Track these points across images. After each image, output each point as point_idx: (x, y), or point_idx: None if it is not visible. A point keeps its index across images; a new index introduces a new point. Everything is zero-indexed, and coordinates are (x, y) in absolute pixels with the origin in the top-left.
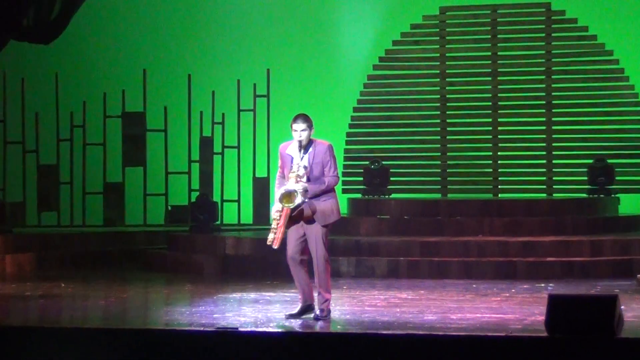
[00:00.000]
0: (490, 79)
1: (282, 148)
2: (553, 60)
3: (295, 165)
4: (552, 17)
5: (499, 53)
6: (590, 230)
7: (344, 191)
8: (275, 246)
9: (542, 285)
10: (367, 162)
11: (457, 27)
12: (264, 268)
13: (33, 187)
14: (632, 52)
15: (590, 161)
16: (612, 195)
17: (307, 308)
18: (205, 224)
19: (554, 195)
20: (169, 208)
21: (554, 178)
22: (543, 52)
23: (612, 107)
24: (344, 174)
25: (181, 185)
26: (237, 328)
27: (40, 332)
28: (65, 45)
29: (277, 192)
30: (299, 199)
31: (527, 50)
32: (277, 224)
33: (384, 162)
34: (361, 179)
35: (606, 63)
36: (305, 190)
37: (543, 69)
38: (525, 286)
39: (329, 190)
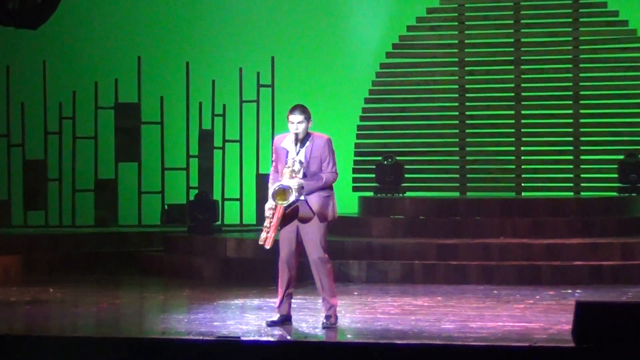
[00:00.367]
0: (512, 67)
1: (277, 141)
2: (581, 47)
3: (290, 159)
4: (580, 1)
5: (523, 39)
6: (620, 231)
7: (354, 189)
8: (267, 246)
9: (569, 291)
10: (379, 158)
11: (477, 11)
12: (268, 272)
13: (19, 184)
14: None
15: (621, 157)
16: None
17: (286, 319)
18: (205, 225)
19: (582, 193)
20: (166, 207)
21: (582, 175)
22: (570, 38)
23: None
24: (354, 171)
25: (179, 183)
26: (239, 337)
27: (27, 341)
28: (53, 30)
29: (270, 188)
30: (293, 196)
31: (552, 37)
32: (270, 222)
33: (397, 158)
34: (373, 175)
35: (638, 51)
36: (301, 187)
37: (570, 57)
38: (550, 292)
39: (327, 188)
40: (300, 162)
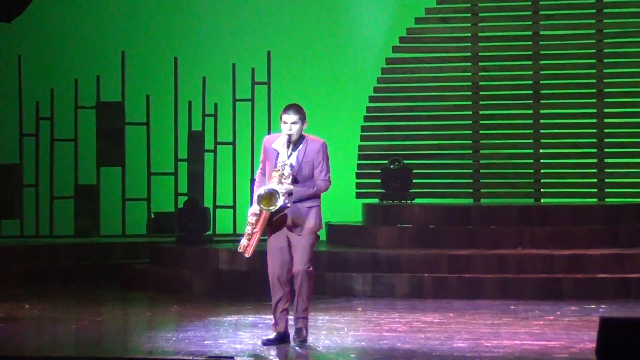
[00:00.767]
0: (531, 62)
1: (267, 141)
2: (605, 41)
3: (280, 162)
4: None
5: (542, 32)
6: None
7: (358, 195)
8: (247, 254)
9: (593, 306)
10: (385, 162)
11: (492, 1)
12: (263, 286)
13: None
14: None
15: None
16: None
17: (283, 337)
18: (195, 234)
19: (607, 200)
20: (152, 215)
21: (607, 180)
22: (593, 31)
23: None
24: (358, 175)
25: (166, 189)
26: (232, 357)
27: None
28: (29, 23)
29: (256, 191)
30: (280, 202)
31: (574, 29)
32: (253, 229)
33: (405, 161)
34: (378, 181)
35: None
36: (290, 193)
37: (593, 51)
38: (572, 308)
39: (317, 196)
40: (291, 166)
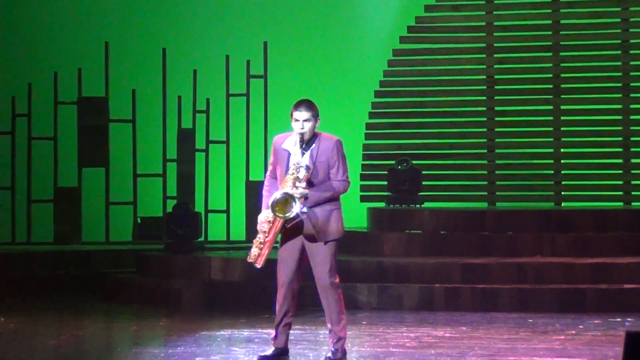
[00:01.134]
0: (551, 54)
1: (277, 141)
2: (631, 30)
3: (293, 165)
4: None
5: (562, 21)
6: None
7: (363, 199)
8: (258, 265)
9: (618, 320)
10: (392, 162)
11: None
12: (259, 298)
13: None
14: None
15: None
16: None
17: (283, 353)
18: (185, 241)
19: (633, 204)
20: (139, 221)
21: (633, 182)
22: (618, 20)
23: None
24: (363, 177)
25: (154, 192)
26: None
27: None
28: (4, 11)
29: (266, 197)
30: (296, 209)
31: (597, 18)
32: (265, 237)
33: (414, 162)
34: (385, 183)
35: None
36: (305, 198)
37: (618, 42)
38: (596, 321)
39: (335, 199)
40: (307, 167)
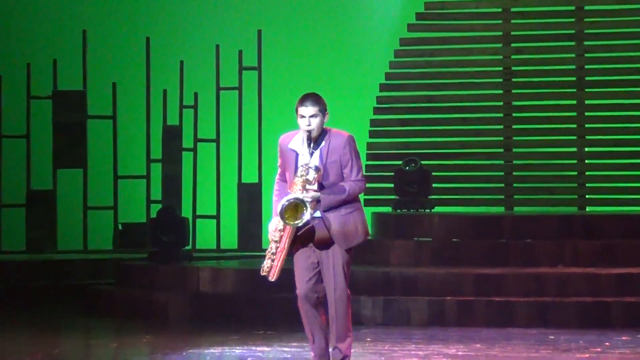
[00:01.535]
0: (574, 44)
1: (283, 141)
2: None
3: (302, 166)
4: None
5: (586, 7)
6: None
7: (367, 203)
8: (272, 278)
9: None
10: (399, 162)
11: None
12: (253, 312)
13: None
14: None
15: None
16: None
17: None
18: (171, 250)
19: None
20: (120, 227)
21: None
22: None
23: None
24: (367, 179)
25: (136, 195)
26: None
27: None
28: None
29: (276, 203)
30: (308, 214)
31: (625, 4)
32: (277, 247)
33: (422, 162)
34: (391, 185)
35: None
36: (317, 201)
37: None
38: (623, 337)
39: (351, 201)
40: (316, 168)
